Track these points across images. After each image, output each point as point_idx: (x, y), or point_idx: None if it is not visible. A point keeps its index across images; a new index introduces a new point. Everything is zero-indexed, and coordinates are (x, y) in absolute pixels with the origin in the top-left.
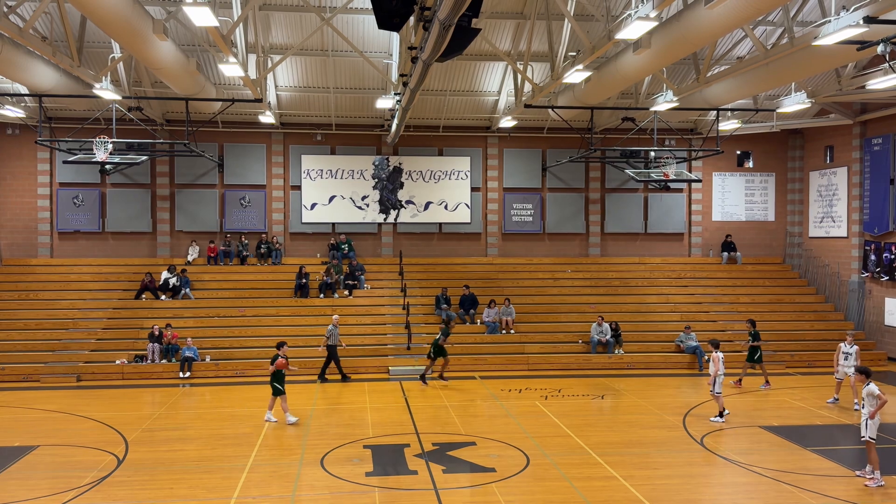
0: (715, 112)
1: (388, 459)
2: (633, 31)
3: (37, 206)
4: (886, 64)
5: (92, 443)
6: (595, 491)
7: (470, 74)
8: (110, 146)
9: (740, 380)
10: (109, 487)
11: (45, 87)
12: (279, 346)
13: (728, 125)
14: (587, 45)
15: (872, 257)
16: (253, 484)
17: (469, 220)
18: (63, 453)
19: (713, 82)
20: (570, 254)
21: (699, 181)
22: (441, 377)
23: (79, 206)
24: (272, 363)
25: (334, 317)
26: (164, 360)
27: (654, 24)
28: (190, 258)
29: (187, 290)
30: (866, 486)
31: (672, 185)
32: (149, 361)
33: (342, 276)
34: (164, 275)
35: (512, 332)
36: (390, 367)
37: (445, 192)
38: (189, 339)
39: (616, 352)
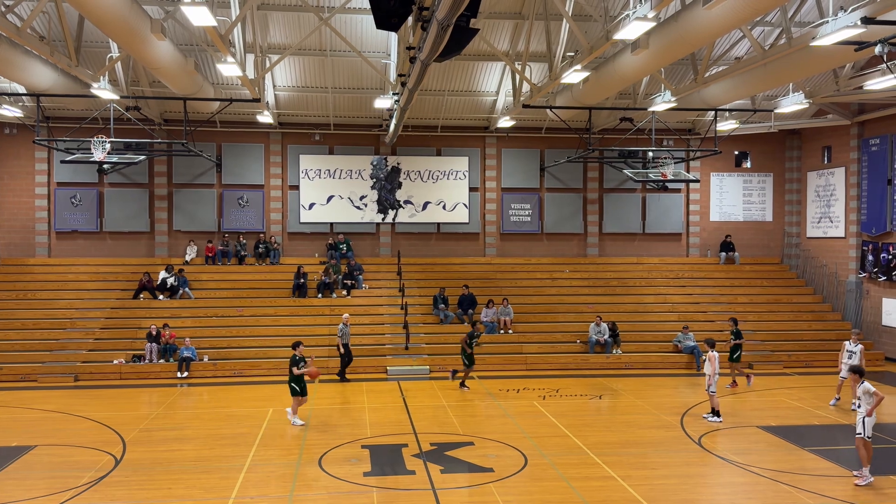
0: (713, 112)
1: (385, 459)
2: (631, 31)
3: (34, 206)
4: (884, 64)
5: (89, 443)
6: (593, 491)
7: (468, 74)
8: (108, 146)
9: (734, 381)
10: (107, 487)
11: (42, 87)
12: (295, 345)
13: (726, 125)
14: (585, 46)
15: (870, 257)
16: (251, 484)
17: (467, 220)
18: (61, 453)
19: (711, 83)
20: (568, 254)
21: (697, 181)
22: (462, 384)
23: (76, 205)
24: (296, 366)
25: (344, 315)
26: (161, 360)
27: (652, 24)
28: (188, 258)
29: (186, 289)
30: (857, 484)
31: (670, 186)
32: (146, 361)
33: (340, 276)
34: (162, 274)
35: (510, 332)
36: (388, 367)
37: (444, 192)
38: (187, 339)
39: (614, 352)
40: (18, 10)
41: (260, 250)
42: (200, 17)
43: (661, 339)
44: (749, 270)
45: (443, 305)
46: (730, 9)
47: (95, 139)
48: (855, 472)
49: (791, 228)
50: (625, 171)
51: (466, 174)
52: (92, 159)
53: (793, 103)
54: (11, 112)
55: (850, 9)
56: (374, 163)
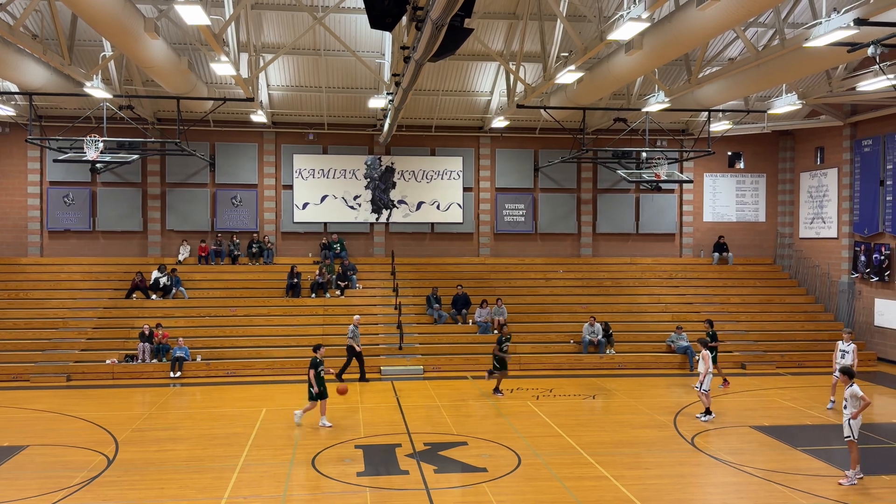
0: (706, 113)
1: (379, 459)
2: (624, 31)
3: (27, 205)
4: (877, 66)
5: (82, 443)
6: (586, 490)
7: (462, 74)
8: (101, 145)
9: (725, 380)
10: (99, 487)
11: (35, 86)
12: (316, 348)
13: (719, 126)
14: (579, 46)
15: (862, 258)
16: (244, 484)
17: (461, 220)
18: (53, 453)
19: (705, 83)
20: (561, 254)
21: (690, 182)
22: (496, 389)
23: (69, 204)
24: (314, 369)
25: (355, 317)
26: (154, 360)
27: (646, 25)
28: (181, 257)
29: (180, 288)
30: (840, 483)
31: (663, 186)
32: (139, 361)
33: (334, 276)
34: (155, 274)
35: None
36: (382, 367)
37: (438, 192)
38: (180, 339)
39: (607, 352)
40: (11, 8)
41: (253, 250)
42: (194, 15)
43: (655, 339)
44: (742, 271)
45: (437, 305)
46: (723, 10)
47: (88, 138)
48: (848, 473)
49: (784, 229)
50: (618, 171)
51: (460, 174)
52: (85, 158)
53: (786, 104)
54: (4, 111)
55: (842, 10)
56: (368, 162)
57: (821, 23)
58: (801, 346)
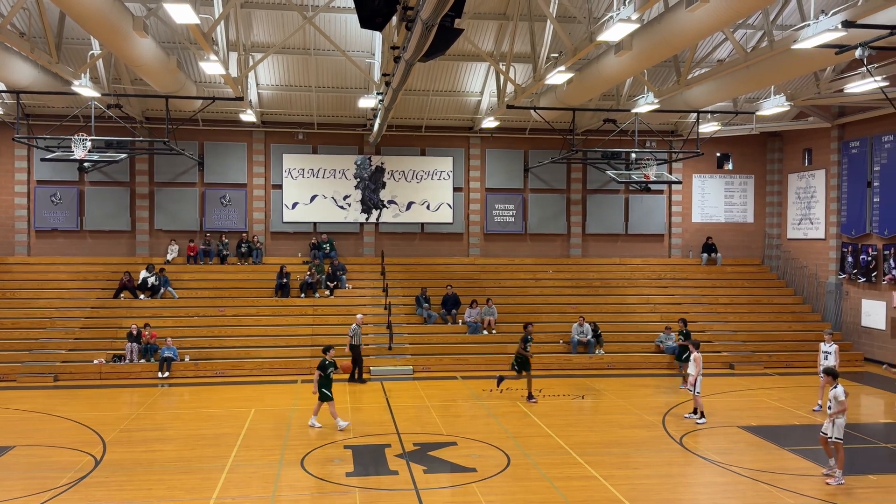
0: (695, 114)
1: (368, 460)
2: (614, 33)
3: (14, 204)
4: (864, 68)
5: (69, 443)
6: (575, 490)
7: (452, 75)
8: (89, 144)
9: (685, 380)
10: (87, 488)
11: (22, 84)
12: (326, 349)
13: (708, 127)
14: (569, 47)
15: (850, 259)
16: (232, 484)
17: (451, 221)
18: (40, 454)
19: (693, 85)
20: (551, 254)
21: (679, 183)
22: (530, 396)
23: (57, 204)
24: (322, 370)
25: (358, 316)
26: (142, 360)
27: (636, 26)
28: (169, 257)
29: (168, 288)
30: (827, 483)
31: (652, 187)
32: (127, 361)
33: (324, 276)
34: (143, 274)
35: (493, 332)
36: (372, 367)
37: (428, 192)
38: (168, 339)
39: (597, 352)
40: None
41: (242, 250)
42: (183, 14)
43: (644, 339)
44: (730, 271)
45: (426, 305)
46: (712, 11)
47: (76, 137)
48: (834, 472)
49: (772, 230)
50: (608, 172)
51: (450, 174)
52: (72, 157)
53: (774, 106)
54: None
55: (831, 12)
56: (358, 162)
57: (809, 25)
58: (789, 346)
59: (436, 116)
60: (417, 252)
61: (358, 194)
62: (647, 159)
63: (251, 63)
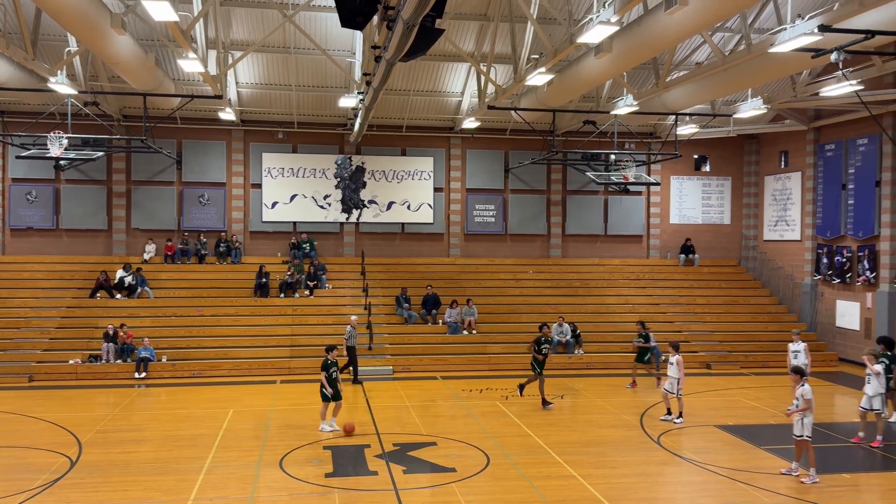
0: (673, 116)
1: (348, 460)
2: (594, 35)
3: None
4: (840, 72)
5: (44, 444)
6: (553, 490)
7: (433, 75)
8: (65, 141)
9: (634, 381)
10: (62, 490)
11: None
12: (329, 349)
13: (686, 130)
14: (549, 48)
15: (825, 260)
16: (210, 486)
17: (432, 221)
18: (14, 455)
19: (672, 87)
20: (531, 255)
21: (658, 184)
22: (544, 401)
23: (32, 202)
24: (326, 371)
25: (352, 317)
26: (119, 361)
27: (615, 28)
28: (146, 256)
29: (146, 287)
30: (802, 482)
31: (631, 188)
32: (103, 362)
33: (304, 276)
34: (120, 273)
35: (473, 332)
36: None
37: (408, 192)
38: (145, 339)
39: (576, 352)
40: None
41: (221, 249)
42: (162, 11)
43: (622, 339)
44: (707, 272)
45: (406, 305)
46: (691, 14)
47: (52, 134)
48: (793, 471)
49: (748, 231)
50: (587, 173)
51: (431, 174)
52: (48, 155)
53: (751, 108)
54: None
55: (807, 17)
56: (339, 162)
57: (786, 29)
58: (765, 346)
59: (417, 116)
60: (398, 252)
61: (338, 194)
62: (626, 161)
63: (230, 61)
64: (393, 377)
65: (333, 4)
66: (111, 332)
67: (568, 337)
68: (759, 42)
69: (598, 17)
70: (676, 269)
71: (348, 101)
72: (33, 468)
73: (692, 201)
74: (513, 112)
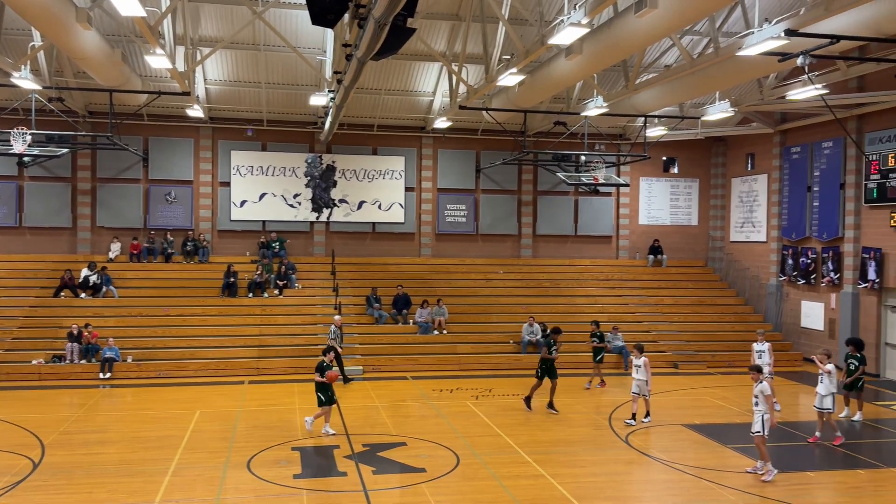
0: (643, 118)
1: (317, 461)
2: (565, 36)
3: None
4: (806, 75)
5: (6, 446)
6: (523, 489)
7: (405, 74)
8: (29, 138)
9: (602, 381)
10: (24, 492)
11: None
12: (325, 351)
13: (655, 132)
14: (521, 49)
15: (790, 261)
16: (176, 487)
17: (403, 220)
18: None
19: (642, 89)
20: (502, 255)
21: (627, 185)
22: (550, 405)
23: None
24: (320, 373)
25: (336, 317)
26: (83, 361)
27: (586, 30)
28: (112, 255)
29: (110, 287)
30: (763, 480)
31: (601, 189)
32: (67, 362)
33: (273, 276)
34: (84, 272)
35: (444, 332)
36: None
37: (379, 191)
38: (110, 339)
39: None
40: None
41: (188, 248)
42: (129, 6)
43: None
44: (675, 273)
45: (377, 305)
46: (660, 17)
47: (15, 130)
48: (758, 469)
49: (715, 232)
50: (558, 174)
51: (402, 174)
52: (11, 151)
53: (719, 111)
54: None
55: (774, 21)
56: (309, 160)
57: (753, 32)
58: (731, 346)
59: (388, 115)
60: (368, 252)
61: (308, 193)
62: (596, 162)
63: (199, 58)
64: (363, 377)
65: (304, 2)
66: (75, 332)
67: (538, 337)
68: (727, 45)
69: (568, 18)
70: (645, 270)
71: (319, 100)
72: None
73: (660, 202)
74: (484, 112)
